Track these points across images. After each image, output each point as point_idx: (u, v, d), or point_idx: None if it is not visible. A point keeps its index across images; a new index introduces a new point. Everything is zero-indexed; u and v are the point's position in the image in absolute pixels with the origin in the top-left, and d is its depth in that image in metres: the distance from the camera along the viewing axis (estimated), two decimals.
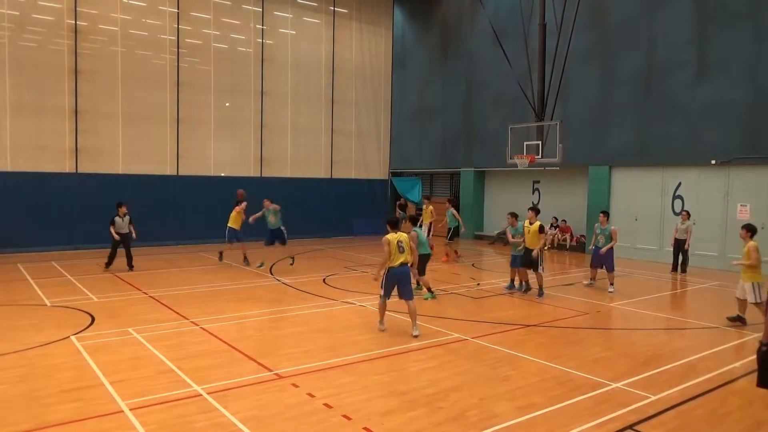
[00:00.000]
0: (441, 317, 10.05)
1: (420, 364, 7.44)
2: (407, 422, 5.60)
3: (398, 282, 8.72)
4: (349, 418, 5.65)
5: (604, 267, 12.99)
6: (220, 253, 16.16)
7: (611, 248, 12.82)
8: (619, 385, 6.74)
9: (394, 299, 8.98)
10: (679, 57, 17.05)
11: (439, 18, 25.53)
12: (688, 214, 15.63)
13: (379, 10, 26.38)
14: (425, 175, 27.16)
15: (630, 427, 5.56)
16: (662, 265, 16.58)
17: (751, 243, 9.47)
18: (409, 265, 8.89)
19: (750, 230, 9.65)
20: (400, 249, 8.67)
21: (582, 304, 11.55)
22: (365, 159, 26.19)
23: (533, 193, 22.43)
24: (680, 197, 17.41)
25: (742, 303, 9.75)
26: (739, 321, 9.81)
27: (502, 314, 10.50)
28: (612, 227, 13.12)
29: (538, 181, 22.25)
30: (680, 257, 15.62)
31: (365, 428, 5.43)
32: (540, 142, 17.22)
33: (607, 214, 13.40)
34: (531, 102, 18.30)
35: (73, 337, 8.36)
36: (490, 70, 22.70)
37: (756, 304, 9.36)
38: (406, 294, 8.79)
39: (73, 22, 18.62)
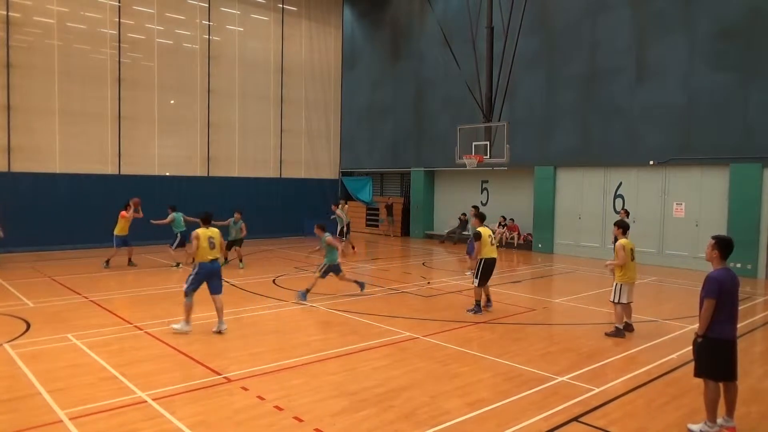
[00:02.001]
0: (392, 316, 10.08)
1: (371, 364, 7.44)
2: (358, 422, 5.59)
3: (208, 278, 8.80)
4: (300, 420, 5.59)
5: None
6: (107, 261, 15.13)
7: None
8: (564, 378, 6.94)
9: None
10: (619, 62, 17.73)
11: (389, 18, 25.64)
12: (627, 212, 16.29)
13: (328, 9, 26.24)
14: (376, 175, 27.23)
15: (575, 419, 5.74)
16: (604, 262, 17.16)
17: (619, 241, 8.88)
18: (219, 261, 9.01)
19: (621, 227, 9.07)
20: (211, 245, 8.77)
21: (529, 300, 11.83)
22: (315, 159, 26.00)
23: (482, 193, 22.84)
24: (621, 196, 18.11)
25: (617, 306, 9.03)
26: (620, 332, 8.89)
27: (452, 312, 10.63)
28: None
29: (487, 181, 22.68)
30: None
31: (317, 429, 5.39)
32: (488, 143, 17.56)
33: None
34: (479, 103, 18.63)
35: (6, 345, 7.93)
36: (439, 72, 22.97)
37: (614, 303, 8.92)
38: (215, 289, 8.89)
39: (5, 13, 17.67)
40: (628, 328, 9.12)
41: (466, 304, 11.53)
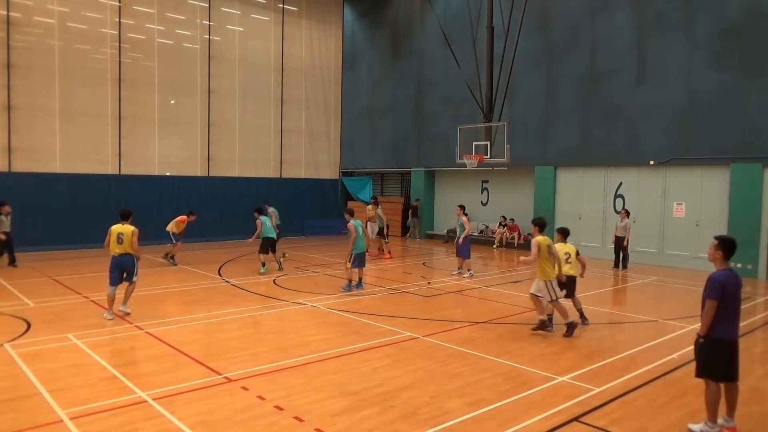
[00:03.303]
0: (393, 316, 10.08)
1: (372, 364, 7.44)
2: (359, 422, 5.59)
3: (122, 269, 9.56)
4: (300, 420, 5.59)
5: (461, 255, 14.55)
6: (171, 256, 15.77)
7: (466, 237, 14.35)
8: (565, 378, 6.94)
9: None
10: (619, 62, 17.73)
11: (389, 18, 25.63)
12: (627, 212, 16.30)
13: (328, 9, 26.24)
14: (376, 175, 27.23)
15: (576, 419, 5.73)
16: (605, 262, 17.18)
17: (535, 238, 8.78)
18: (134, 256, 9.66)
19: (537, 225, 8.92)
20: (119, 241, 9.50)
21: (529, 300, 11.80)
22: (315, 158, 26.00)
23: (482, 193, 22.85)
24: (621, 196, 18.11)
25: (537, 300, 9.02)
26: (541, 328, 8.93)
27: (453, 312, 10.63)
28: (463, 218, 14.50)
29: (487, 181, 22.68)
30: (621, 254, 16.24)
31: (317, 429, 5.38)
32: (488, 143, 17.56)
33: (462, 207, 15.00)
34: (479, 103, 18.63)
35: (7, 345, 7.93)
36: (440, 72, 22.97)
37: (552, 302, 8.88)
38: (126, 278, 9.67)
39: (5, 13, 17.68)
40: (545, 324, 8.90)
41: (466, 303, 11.53)
